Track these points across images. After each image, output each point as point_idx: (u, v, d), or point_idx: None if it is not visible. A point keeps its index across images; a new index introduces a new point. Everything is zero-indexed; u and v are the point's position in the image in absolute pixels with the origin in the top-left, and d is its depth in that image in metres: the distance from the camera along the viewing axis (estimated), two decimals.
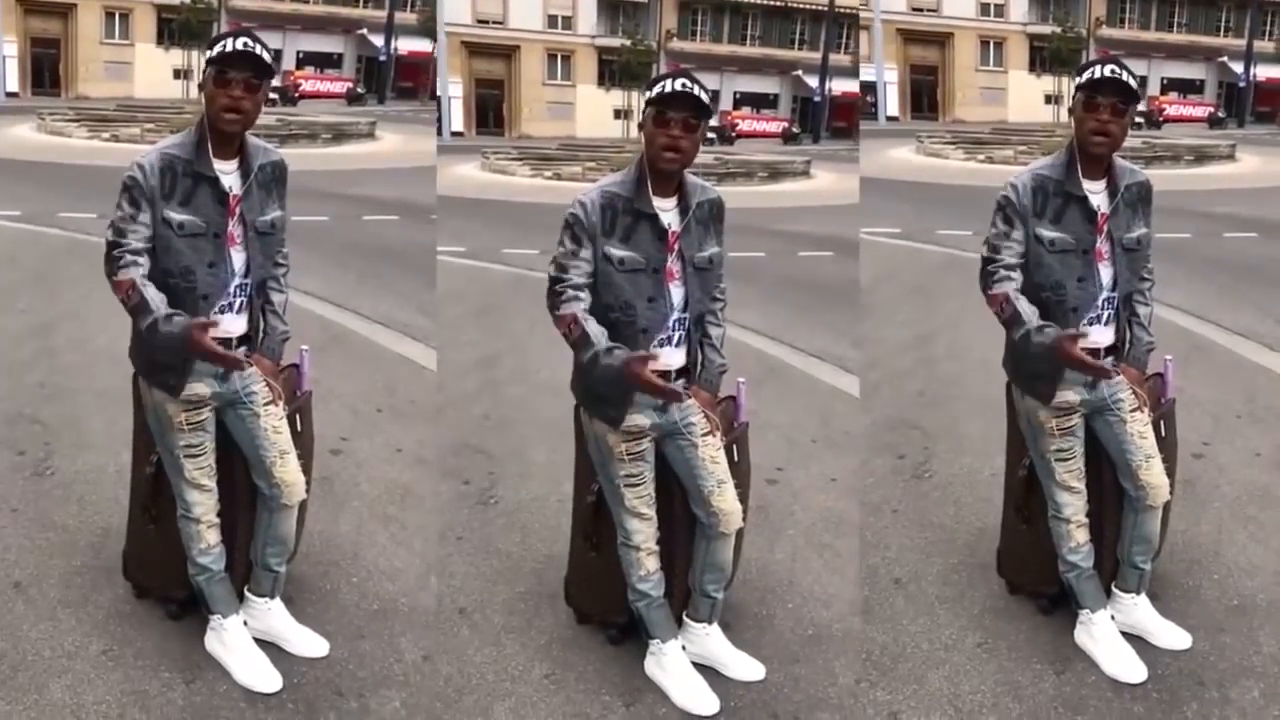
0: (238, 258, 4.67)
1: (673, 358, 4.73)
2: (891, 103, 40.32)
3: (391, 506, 6.30)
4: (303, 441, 5.05)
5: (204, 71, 4.59)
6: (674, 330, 4.70)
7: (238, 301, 4.70)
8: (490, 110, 40.01)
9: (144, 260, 4.48)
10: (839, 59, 40.10)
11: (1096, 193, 4.81)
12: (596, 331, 4.49)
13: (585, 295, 4.56)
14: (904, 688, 4.90)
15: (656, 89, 4.58)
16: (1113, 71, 4.70)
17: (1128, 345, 4.98)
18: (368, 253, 13.18)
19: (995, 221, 4.82)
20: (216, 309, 4.63)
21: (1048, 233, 4.77)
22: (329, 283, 10.69)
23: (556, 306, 4.58)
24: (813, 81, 40.61)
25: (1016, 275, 4.74)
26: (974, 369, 8.13)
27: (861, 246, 12.90)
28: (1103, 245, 4.81)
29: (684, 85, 4.54)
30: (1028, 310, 4.66)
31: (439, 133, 35.08)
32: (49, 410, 7.43)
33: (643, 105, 4.63)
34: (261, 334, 4.85)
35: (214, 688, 4.72)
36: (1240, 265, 13.57)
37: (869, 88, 39.58)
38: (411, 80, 40.32)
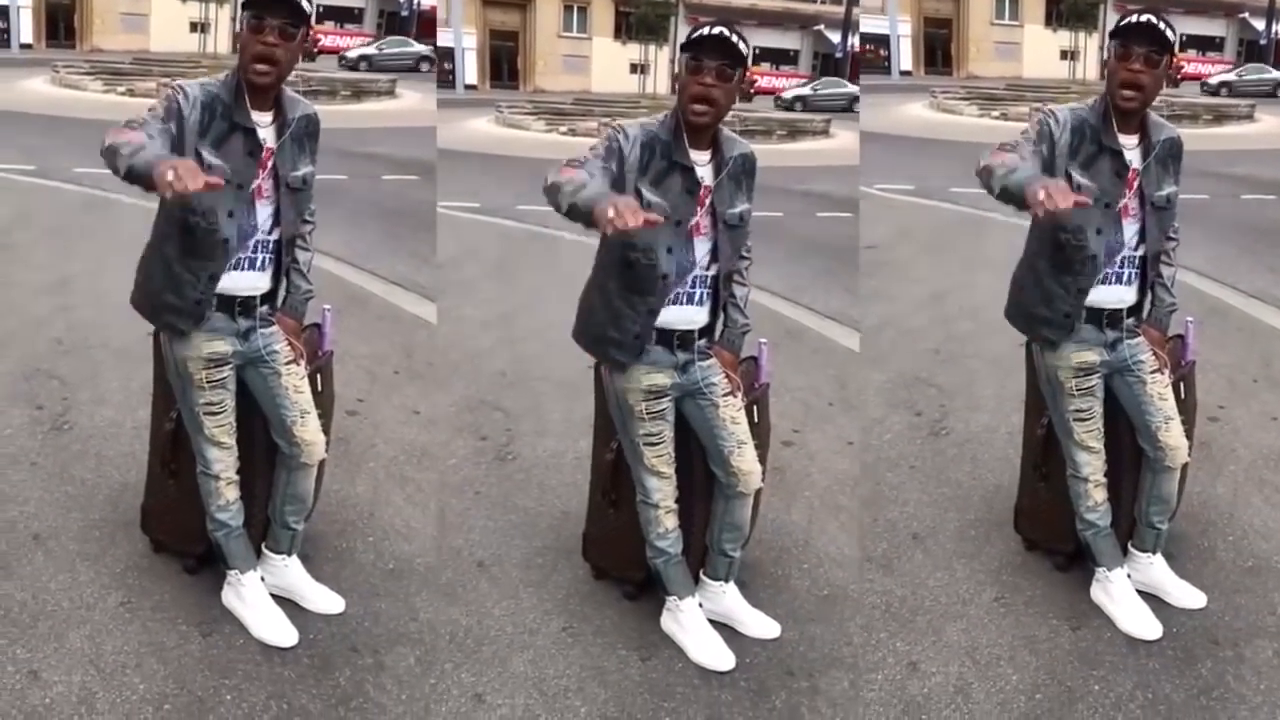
0: (263, 212, 4.62)
1: (695, 315, 4.70)
2: (905, 57, 40.09)
3: (408, 467, 6.31)
4: (323, 401, 5.06)
5: (239, 17, 4.49)
6: (696, 287, 4.67)
7: (261, 257, 4.66)
8: (505, 63, 39.85)
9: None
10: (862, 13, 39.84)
11: (1130, 148, 4.74)
12: (599, 182, 4.29)
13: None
14: (923, 639, 4.94)
15: (694, 35, 4.48)
16: (1147, 20, 4.59)
17: (1150, 305, 4.95)
18: (386, 213, 13.14)
19: (1027, 130, 4.66)
20: (234, 261, 4.60)
21: (1077, 177, 4.65)
22: (347, 243, 10.67)
23: (564, 165, 4.36)
24: (834, 37, 40.39)
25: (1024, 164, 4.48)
26: (989, 326, 8.09)
27: (875, 204, 12.89)
28: (1131, 202, 4.75)
29: (720, 32, 4.45)
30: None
31: (439, 84, 34.97)
32: (66, 366, 7.45)
33: (679, 48, 4.54)
34: (285, 292, 4.83)
35: (230, 641, 4.76)
36: (1258, 227, 13.52)
37: (876, 39, 39.31)
38: (434, 35, 40.13)
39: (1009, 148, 4.55)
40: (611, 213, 3.95)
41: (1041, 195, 4.08)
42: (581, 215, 4.15)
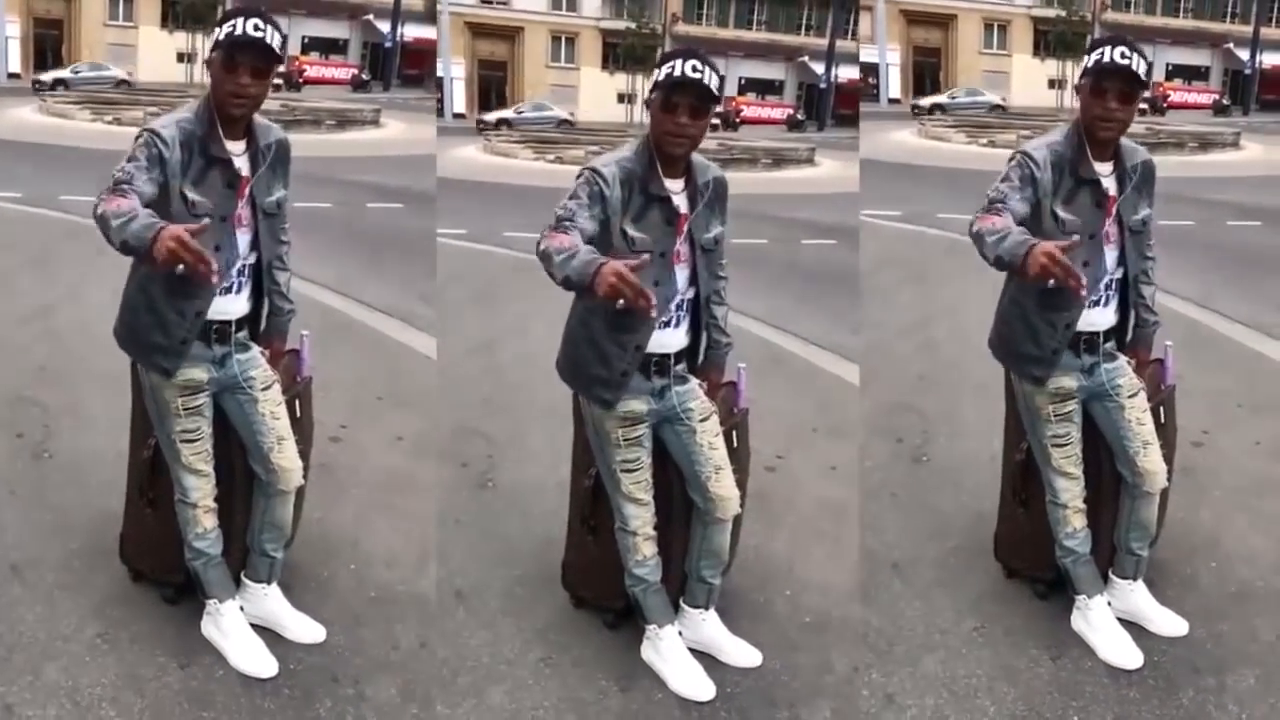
0: (242, 239, 4.63)
1: (672, 339, 4.70)
2: (894, 85, 40.19)
3: (391, 495, 6.29)
4: (302, 428, 5.04)
5: (211, 51, 4.52)
6: (675, 312, 4.68)
7: (238, 282, 4.67)
8: (493, 92, 39.92)
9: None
10: (846, 45, 39.93)
11: (1106, 175, 4.76)
12: (586, 248, 4.23)
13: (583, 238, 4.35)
14: (900, 670, 4.91)
15: (664, 71, 4.48)
16: (1123, 55, 4.59)
17: (1133, 325, 4.96)
18: (371, 240, 13.17)
19: (1009, 175, 4.62)
20: (219, 290, 4.60)
21: (1062, 213, 4.67)
22: (331, 270, 10.67)
23: (554, 229, 4.33)
24: (819, 68, 40.49)
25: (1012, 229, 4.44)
26: (974, 353, 8.03)
27: (862, 230, 12.87)
28: (1110, 228, 4.78)
29: (694, 69, 4.44)
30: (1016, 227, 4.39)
31: (439, 114, 35.07)
32: (49, 393, 7.43)
33: (651, 84, 4.55)
34: (267, 314, 4.85)
35: (210, 672, 4.73)
36: (1243, 254, 13.56)
37: (870, 69, 39.45)
38: (417, 67, 40.04)
39: (996, 207, 4.52)
40: (605, 288, 3.98)
41: (1043, 263, 4.07)
42: (575, 286, 4.17)
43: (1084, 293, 4.52)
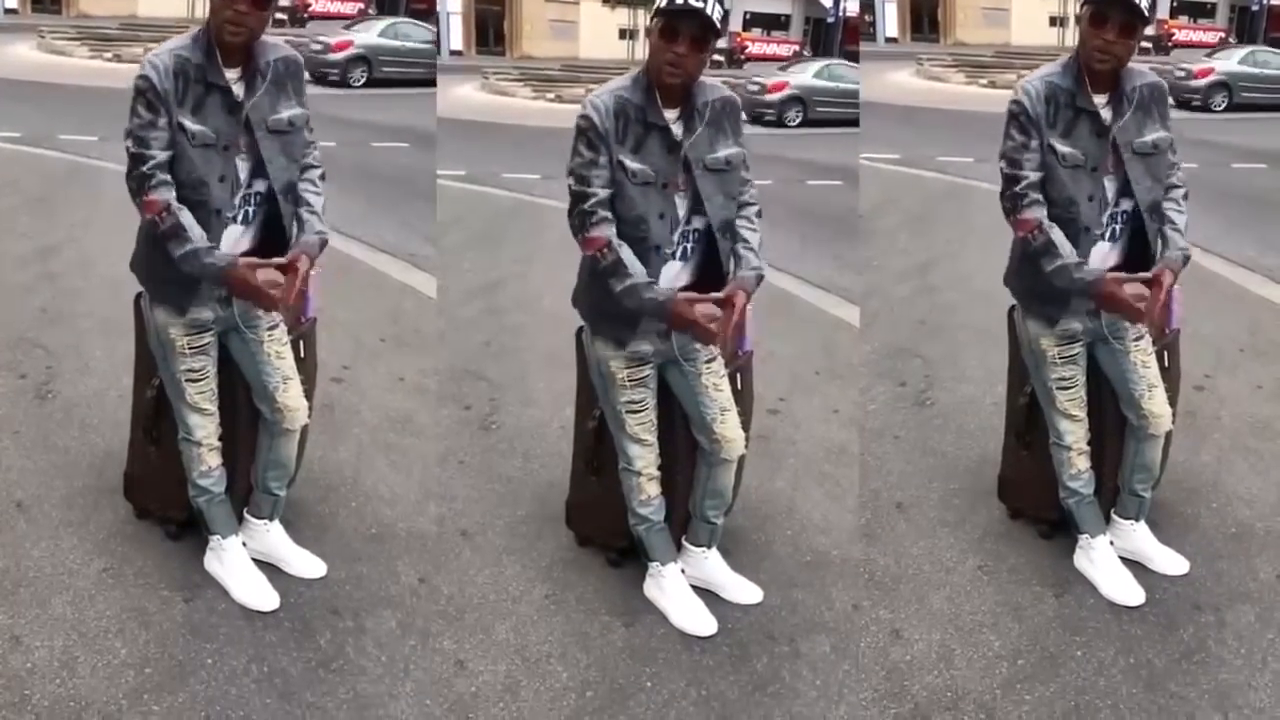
0: (243, 167, 4.57)
1: (679, 275, 4.62)
2: (891, 23, 39.84)
3: (392, 434, 6.30)
4: (306, 368, 5.04)
5: None
6: (679, 244, 4.60)
7: (244, 212, 4.61)
8: (491, 28, 39.61)
9: (171, 179, 4.39)
10: None
11: (1104, 105, 4.69)
12: (632, 260, 4.41)
13: (612, 215, 4.45)
14: (906, 607, 4.95)
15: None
16: None
17: (1160, 249, 4.78)
18: (375, 180, 13.09)
19: (1010, 132, 4.65)
20: (226, 222, 4.56)
21: (1060, 146, 4.65)
22: (334, 210, 10.40)
23: (585, 227, 4.44)
24: (827, 1, 40.12)
25: (1043, 199, 4.62)
26: (974, 297, 8.11)
27: (862, 172, 12.85)
28: (1109, 157, 4.72)
29: (696, 1, 4.37)
30: (1064, 242, 4.56)
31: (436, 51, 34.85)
32: (50, 334, 7.42)
33: (653, 10, 4.47)
34: (296, 232, 4.65)
35: (212, 605, 4.77)
36: (1247, 196, 13.50)
37: (861, 5, 39.07)
38: (425, 1, 39.79)
39: (1025, 192, 4.60)
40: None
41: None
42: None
43: (1091, 229, 4.63)
